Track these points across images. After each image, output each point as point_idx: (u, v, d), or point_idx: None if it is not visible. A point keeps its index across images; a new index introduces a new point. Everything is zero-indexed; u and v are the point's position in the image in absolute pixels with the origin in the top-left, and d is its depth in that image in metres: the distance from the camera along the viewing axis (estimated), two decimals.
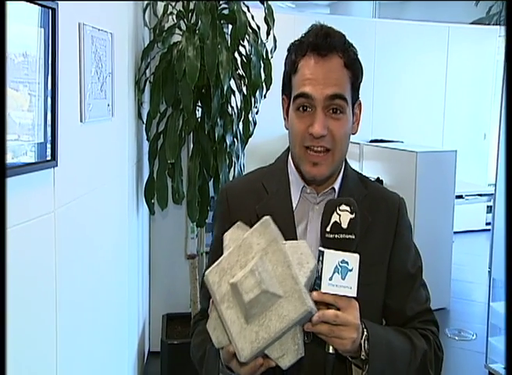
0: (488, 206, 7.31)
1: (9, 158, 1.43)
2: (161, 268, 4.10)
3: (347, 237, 1.16)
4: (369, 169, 5.53)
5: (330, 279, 1.14)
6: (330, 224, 1.17)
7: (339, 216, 1.18)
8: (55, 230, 1.76)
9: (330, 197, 1.39)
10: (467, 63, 8.28)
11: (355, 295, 1.15)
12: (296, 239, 1.34)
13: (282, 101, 1.44)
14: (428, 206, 5.03)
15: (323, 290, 1.14)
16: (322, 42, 1.28)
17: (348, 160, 1.45)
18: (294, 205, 1.39)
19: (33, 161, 1.56)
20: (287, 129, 1.39)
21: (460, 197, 5.96)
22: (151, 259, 4.11)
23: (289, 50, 1.38)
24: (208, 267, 1.44)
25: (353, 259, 1.15)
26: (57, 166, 1.72)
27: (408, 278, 1.43)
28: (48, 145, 1.65)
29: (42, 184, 1.68)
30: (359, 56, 1.36)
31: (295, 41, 1.37)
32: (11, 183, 1.42)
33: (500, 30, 8.32)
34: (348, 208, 1.18)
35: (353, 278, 1.15)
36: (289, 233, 1.31)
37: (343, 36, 1.35)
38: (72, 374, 1.95)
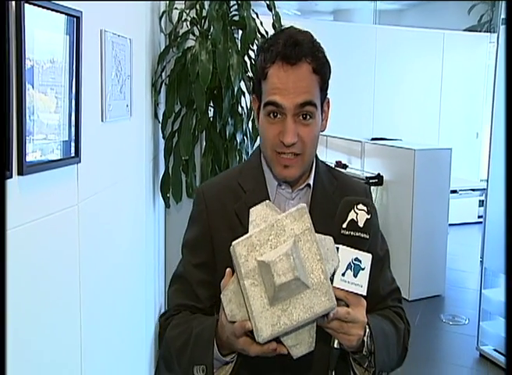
0: (480, 200, 7.29)
1: (38, 156, 1.44)
2: (175, 258, 4.05)
3: (362, 236, 1.13)
4: (370, 166, 5.52)
5: (343, 275, 1.11)
6: (347, 221, 1.14)
7: (357, 214, 1.14)
8: (79, 221, 1.76)
9: (304, 192, 1.35)
10: (461, 67, 8.28)
11: (365, 294, 1.12)
12: None
13: (252, 100, 1.37)
14: (425, 200, 5.01)
15: (335, 284, 1.10)
16: (291, 52, 1.21)
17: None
18: (271, 201, 1.31)
19: (58, 158, 1.57)
20: (257, 128, 1.33)
21: (455, 191, 5.95)
22: (167, 250, 4.11)
23: (258, 51, 1.31)
24: (186, 265, 1.37)
25: (366, 258, 1.12)
26: (80, 162, 1.72)
27: (378, 261, 1.38)
28: (72, 143, 1.66)
29: (66, 179, 1.68)
30: (328, 57, 1.29)
31: (264, 42, 1.31)
32: (39, 178, 1.44)
33: (491, 37, 8.36)
34: (365, 208, 1.15)
35: (364, 277, 1.11)
36: None
37: (311, 39, 1.27)
38: (95, 358, 1.96)
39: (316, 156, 1.38)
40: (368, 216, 1.14)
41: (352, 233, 1.13)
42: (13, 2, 1.27)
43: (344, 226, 1.14)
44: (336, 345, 1.14)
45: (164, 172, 3.49)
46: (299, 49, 1.22)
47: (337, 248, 1.12)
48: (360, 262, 1.12)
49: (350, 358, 1.23)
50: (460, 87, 8.31)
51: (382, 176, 5.32)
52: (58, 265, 1.61)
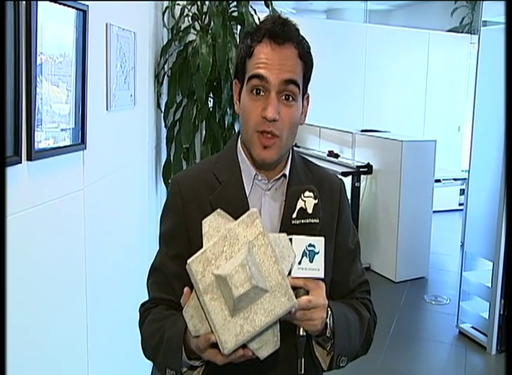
0: (461, 189, 7.28)
1: (51, 143, 1.44)
2: None
3: (312, 221, 1.09)
4: (361, 155, 5.49)
5: (299, 263, 1.06)
6: (296, 210, 1.09)
7: (304, 202, 1.10)
8: (84, 205, 1.74)
9: (280, 182, 1.26)
10: (444, 65, 8.28)
11: (323, 276, 1.08)
12: None
13: (233, 84, 1.28)
14: (411, 188, 4.99)
15: (294, 274, 1.06)
16: (279, 30, 1.15)
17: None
18: (247, 193, 1.24)
19: (65, 145, 1.55)
20: (238, 113, 1.25)
21: (438, 181, 5.93)
22: None
23: (244, 37, 1.23)
24: (163, 257, 1.27)
25: (319, 242, 1.08)
26: (86, 149, 1.70)
27: (349, 253, 1.33)
28: (78, 131, 1.64)
29: (73, 165, 1.66)
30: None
31: (251, 28, 1.22)
32: (46, 164, 1.42)
33: (471, 38, 8.40)
34: (312, 195, 1.10)
35: (320, 260, 1.07)
36: None
37: (297, 28, 1.20)
38: (99, 335, 1.95)
39: (292, 148, 1.30)
40: (316, 201, 1.10)
41: (302, 221, 1.09)
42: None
43: (294, 216, 1.10)
44: (301, 333, 1.09)
45: (166, 159, 3.47)
46: (287, 30, 1.16)
47: (290, 240, 1.07)
48: (314, 246, 1.08)
49: (313, 341, 1.17)
50: (444, 84, 8.31)
51: (372, 166, 5.29)
52: (64, 246, 1.59)
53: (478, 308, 3.98)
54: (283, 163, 1.27)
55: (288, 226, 1.10)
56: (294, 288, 1.05)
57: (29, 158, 1.32)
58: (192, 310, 1.03)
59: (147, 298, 1.31)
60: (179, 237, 1.24)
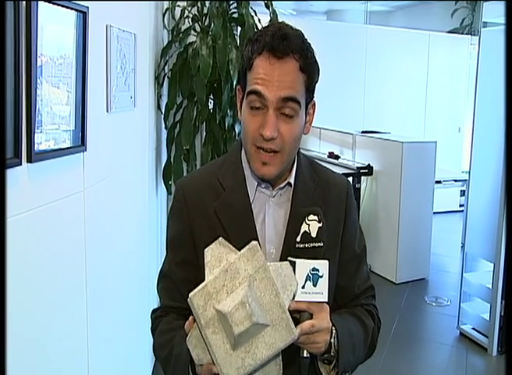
0: (461, 190, 7.27)
1: (52, 145, 1.45)
2: None
3: (317, 245, 1.09)
4: (361, 157, 5.49)
5: (303, 287, 1.06)
6: (300, 234, 1.09)
7: (308, 225, 1.09)
8: (84, 207, 1.74)
9: (285, 190, 1.25)
10: (445, 66, 8.30)
11: (326, 300, 1.08)
12: (256, 233, 1.20)
13: (237, 91, 1.25)
14: (411, 189, 4.99)
15: (297, 298, 1.06)
16: (279, 45, 1.10)
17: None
18: (251, 200, 1.23)
19: (65, 146, 1.55)
20: (240, 119, 1.23)
21: (439, 182, 5.93)
22: None
23: (246, 44, 1.19)
24: (170, 263, 1.29)
25: (323, 266, 1.08)
26: (86, 150, 1.70)
27: (355, 257, 1.32)
28: (79, 133, 1.64)
29: (73, 167, 1.66)
30: (317, 57, 1.18)
31: (254, 34, 1.18)
32: (46, 165, 1.42)
33: (471, 39, 8.42)
34: (316, 218, 1.10)
35: (324, 284, 1.07)
36: (249, 228, 1.19)
37: (301, 37, 1.15)
38: (100, 336, 1.94)
39: (298, 153, 1.27)
40: (320, 225, 1.09)
41: (306, 245, 1.09)
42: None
43: (298, 239, 1.09)
44: (305, 355, 1.10)
45: (166, 160, 3.47)
46: (287, 43, 1.11)
47: (294, 263, 1.07)
48: (317, 270, 1.07)
49: (317, 358, 1.17)
50: (444, 85, 8.32)
51: (372, 167, 5.29)
52: (64, 248, 1.59)
53: (478, 309, 3.97)
54: (288, 172, 1.25)
55: (292, 250, 1.10)
56: (298, 312, 1.06)
57: (29, 160, 1.32)
58: (195, 340, 1.05)
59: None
60: (184, 242, 1.25)
